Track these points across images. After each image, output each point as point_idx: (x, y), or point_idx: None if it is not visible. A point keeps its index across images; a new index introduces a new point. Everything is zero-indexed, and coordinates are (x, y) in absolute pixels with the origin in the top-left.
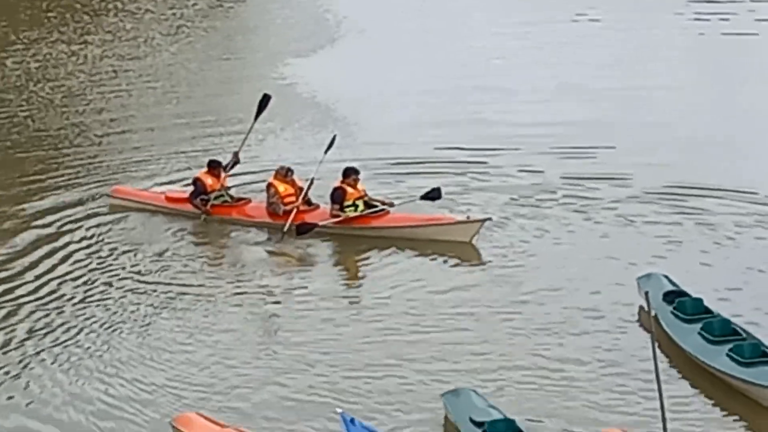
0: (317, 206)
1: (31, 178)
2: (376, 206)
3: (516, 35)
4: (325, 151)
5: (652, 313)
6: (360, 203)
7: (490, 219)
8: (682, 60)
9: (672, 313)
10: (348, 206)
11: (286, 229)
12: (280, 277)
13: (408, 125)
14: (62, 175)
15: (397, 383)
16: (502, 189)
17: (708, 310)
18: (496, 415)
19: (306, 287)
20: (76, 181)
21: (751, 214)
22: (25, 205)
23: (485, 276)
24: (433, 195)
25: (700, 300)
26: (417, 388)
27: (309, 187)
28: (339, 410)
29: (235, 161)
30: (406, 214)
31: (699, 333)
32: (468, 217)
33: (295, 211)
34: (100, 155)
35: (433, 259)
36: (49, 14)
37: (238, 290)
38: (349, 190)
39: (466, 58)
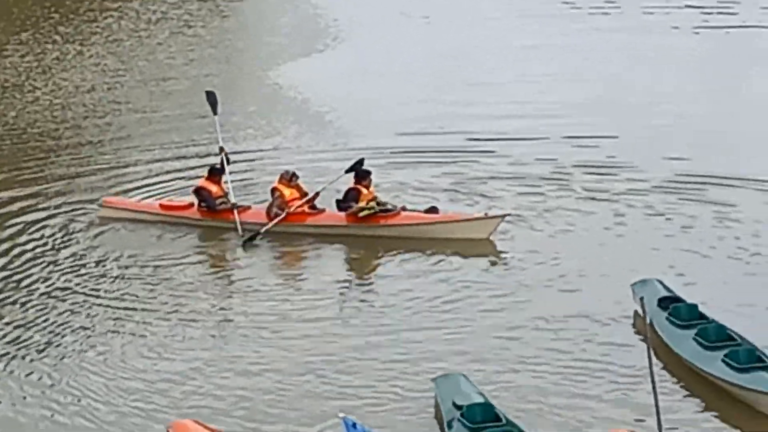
0: (323, 210)
1: (18, 182)
2: (387, 206)
3: (519, 27)
4: (347, 170)
5: (647, 319)
6: (373, 204)
7: (509, 215)
8: (688, 52)
9: (667, 318)
10: (360, 209)
11: (263, 230)
12: (284, 280)
13: (412, 120)
14: (51, 182)
15: (397, 371)
16: (514, 180)
17: (703, 316)
18: (478, 400)
19: (313, 288)
20: (65, 188)
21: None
22: (9, 213)
23: (494, 272)
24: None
25: (695, 306)
26: (415, 376)
27: (314, 197)
28: (341, 415)
29: (226, 158)
30: (419, 213)
31: (694, 339)
32: (486, 214)
33: (284, 215)
34: (91, 160)
35: (447, 256)
36: (49, 17)
37: (238, 294)
38: (363, 191)
39: (468, 50)
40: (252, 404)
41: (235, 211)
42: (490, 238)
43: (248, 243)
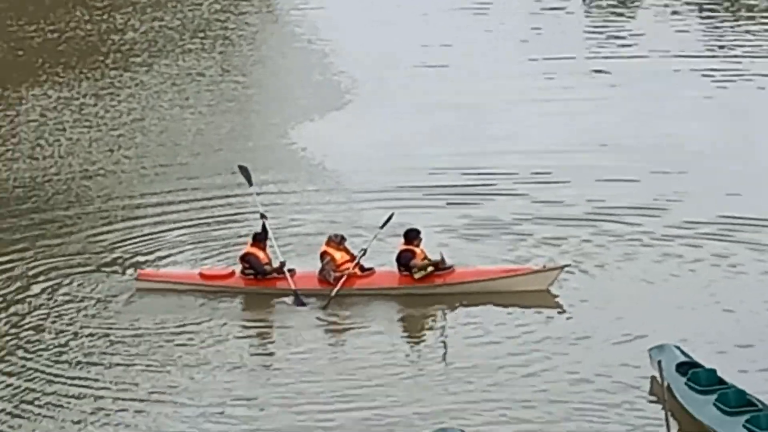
0: (372, 270)
1: (45, 249)
2: (437, 265)
3: (531, 80)
4: (382, 226)
5: (665, 384)
6: (426, 264)
7: (568, 265)
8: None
9: (686, 384)
10: (415, 270)
11: (333, 294)
12: (335, 341)
13: (441, 168)
14: (79, 250)
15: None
16: (554, 223)
17: (722, 381)
18: None
19: (368, 348)
20: (95, 257)
21: None
22: (37, 284)
23: (541, 324)
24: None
25: (713, 371)
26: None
27: (361, 257)
28: None
29: (264, 221)
30: (476, 268)
31: (714, 404)
32: (545, 266)
33: (344, 277)
34: (118, 223)
35: (506, 308)
36: (69, 68)
37: (292, 358)
38: (416, 250)
39: (488, 101)
40: None
41: (288, 274)
42: (550, 289)
43: (301, 306)
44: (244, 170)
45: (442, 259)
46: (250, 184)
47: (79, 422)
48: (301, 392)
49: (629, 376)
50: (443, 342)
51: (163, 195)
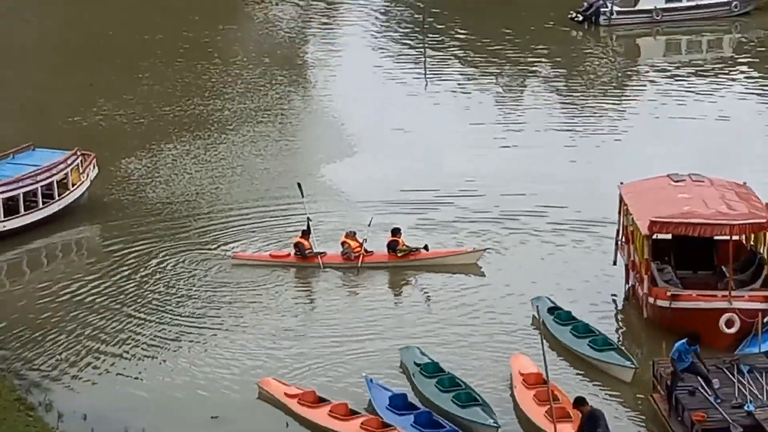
0: (372, 252)
1: (165, 238)
2: (412, 249)
3: (468, 137)
4: (368, 225)
5: (541, 320)
6: (405, 248)
7: (488, 248)
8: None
9: (554, 320)
10: (399, 251)
11: (360, 265)
12: (348, 293)
13: (410, 194)
14: (192, 238)
15: (387, 344)
16: (479, 221)
17: (574, 318)
18: (428, 361)
19: (368, 298)
20: (204, 244)
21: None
22: (155, 261)
23: (471, 283)
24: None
25: (569, 312)
26: (387, 347)
27: (364, 242)
28: (363, 374)
29: (309, 222)
30: (432, 250)
31: (570, 332)
32: (473, 248)
33: (362, 256)
34: (215, 224)
35: (452, 274)
36: (190, 132)
37: (320, 305)
38: (400, 240)
39: (439, 150)
40: (310, 370)
41: (319, 257)
42: (477, 263)
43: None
44: (299, 186)
45: (425, 247)
46: (302, 195)
47: (176, 338)
48: (325, 326)
49: (521, 314)
50: (425, 295)
51: (245, 206)
